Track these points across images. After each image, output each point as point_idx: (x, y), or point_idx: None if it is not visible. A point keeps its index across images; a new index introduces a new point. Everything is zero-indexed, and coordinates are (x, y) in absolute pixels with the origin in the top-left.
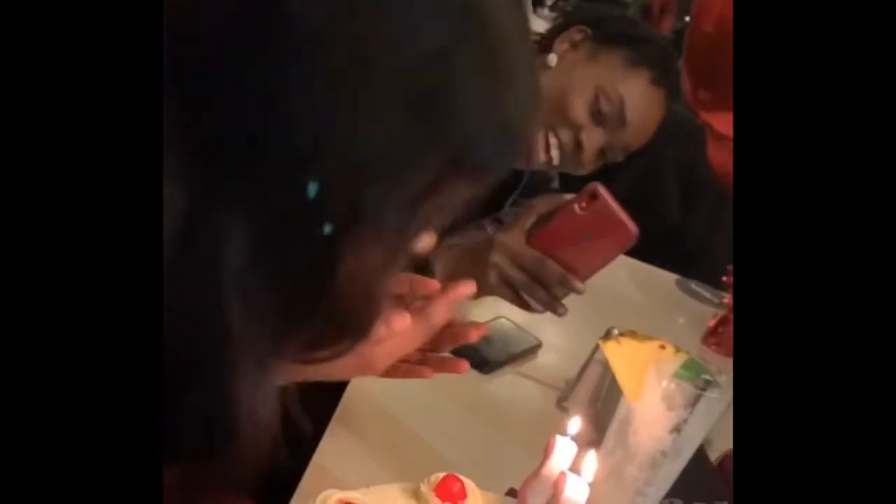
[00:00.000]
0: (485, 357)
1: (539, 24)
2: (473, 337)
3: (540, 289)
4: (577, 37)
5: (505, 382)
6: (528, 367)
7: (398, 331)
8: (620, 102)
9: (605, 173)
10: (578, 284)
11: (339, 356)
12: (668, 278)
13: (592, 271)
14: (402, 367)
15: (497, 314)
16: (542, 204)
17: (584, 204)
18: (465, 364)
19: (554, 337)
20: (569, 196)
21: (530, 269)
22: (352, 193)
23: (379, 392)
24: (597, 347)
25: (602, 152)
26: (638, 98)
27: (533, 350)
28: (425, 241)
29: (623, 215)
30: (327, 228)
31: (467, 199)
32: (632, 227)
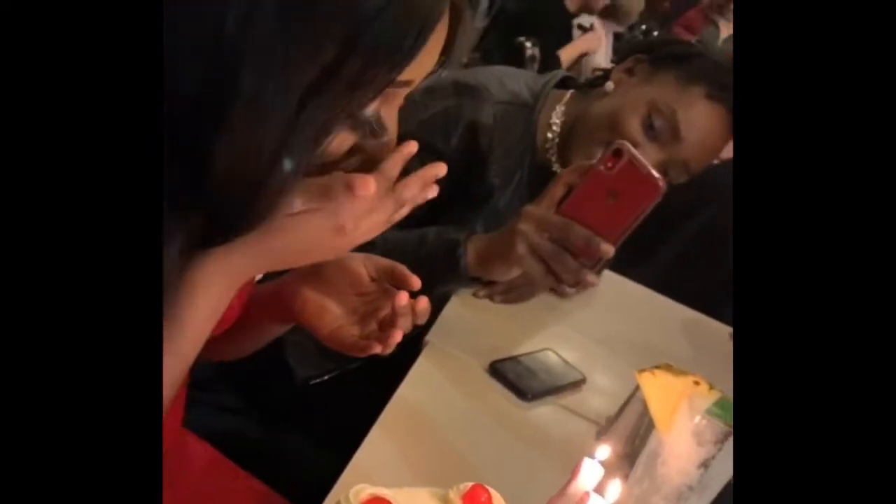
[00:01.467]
0: (528, 385)
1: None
2: (415, 285)
3: (568, 257)
4: (633, 64)
5: (546, 412)
6: (570, 400)
7: (362, 195)
8: (673, 118)
9: (672, 220)
10: (606, 246)
11: (230, 241)
12: (722, 330)
13: (622, 233)
14: (360, 343)
15: (545, 346)
16: (570, 173)
17: (609, 164)
18: (400, 333)
19: (599, 377)
20: (595, 161)
21: (557, 235)
22: (229, 76)
23: (423, 404)
24: (639, 386)
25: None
26: (693, 113)
27: (577, 384)
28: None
29: (649, 169)
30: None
31: (379, 84)
32: (658, 180)
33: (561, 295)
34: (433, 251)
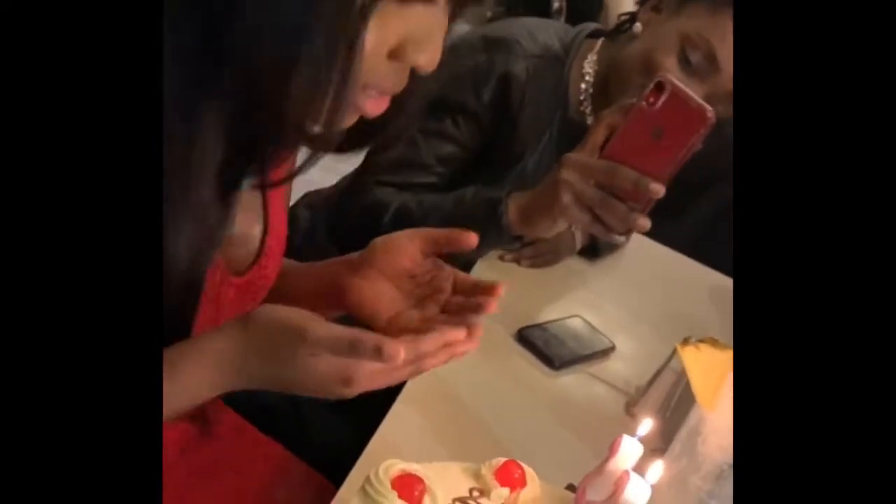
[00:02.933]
0: (556, 352)
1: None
2: (472, 242)
3: (616, 202)
4: (658, 0)
5: (574, 380)
6: (598, 368)
7: (388, 362)
8: (709, 48)
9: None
10: (656, 185)
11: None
12: None
13: (671, 170)
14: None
15: (573, 313)
16: (611, 114)
17: (651, 99)
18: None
19: (627, 344)
20: (635, 99)
21: (603, 180)
22: None
23: (446, 376)
24: (672, 355)
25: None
26: (729, 41)
27: (605, 352)
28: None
29: (695, 99)
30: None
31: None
32: (706, 109)
33: (610, 243)
34: (473, 211)
